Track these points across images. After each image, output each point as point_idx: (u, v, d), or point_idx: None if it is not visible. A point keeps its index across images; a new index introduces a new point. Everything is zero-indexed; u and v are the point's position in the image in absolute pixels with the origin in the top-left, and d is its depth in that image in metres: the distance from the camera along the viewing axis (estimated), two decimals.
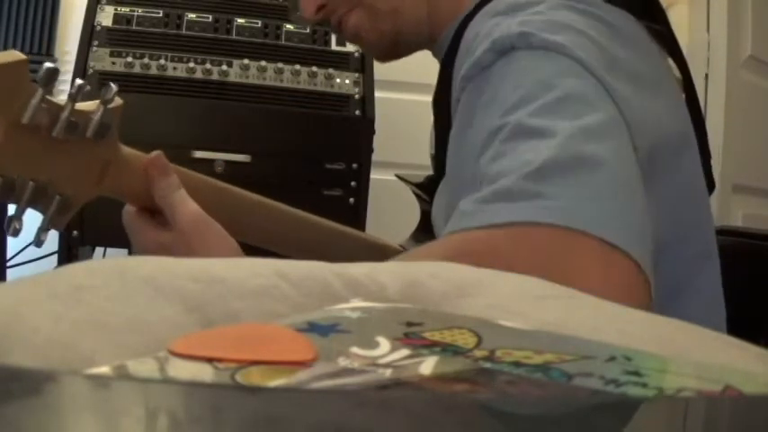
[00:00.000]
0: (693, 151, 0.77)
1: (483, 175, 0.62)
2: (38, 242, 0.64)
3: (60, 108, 0.60)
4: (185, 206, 0.69)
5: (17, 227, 0.62)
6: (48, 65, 0.59)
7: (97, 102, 0.63)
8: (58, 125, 0.60)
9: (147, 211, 0.71)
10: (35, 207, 0.63)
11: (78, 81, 0.62)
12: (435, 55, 0.87)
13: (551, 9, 0.69)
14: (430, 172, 1.01)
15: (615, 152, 0.60)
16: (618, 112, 0.63)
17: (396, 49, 0.88)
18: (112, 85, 0.63)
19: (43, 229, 0.64)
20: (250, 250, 0.64)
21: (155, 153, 0.70)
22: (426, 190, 0.90)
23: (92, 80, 1.55)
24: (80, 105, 0.62)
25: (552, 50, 0.64)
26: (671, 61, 0.83)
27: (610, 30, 0.71)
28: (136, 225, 0.71)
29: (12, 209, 0.62)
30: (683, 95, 0.81)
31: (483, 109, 0.66)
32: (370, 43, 0.88)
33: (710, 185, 0.82)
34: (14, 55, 0.57)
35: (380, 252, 0.91)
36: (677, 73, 0.83)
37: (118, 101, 0.64)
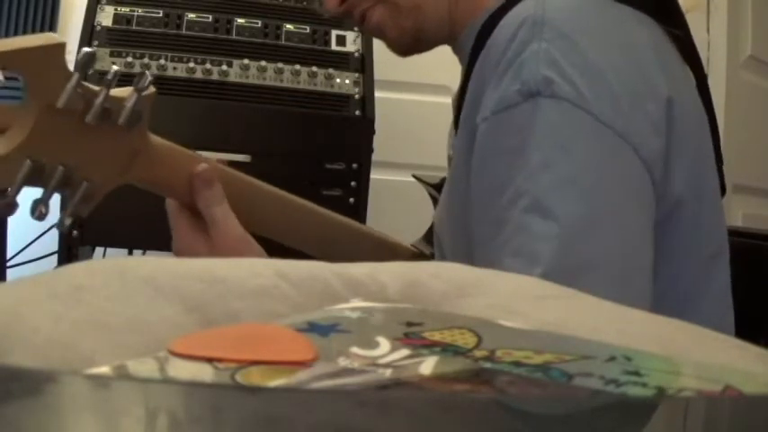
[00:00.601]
0: (709, 156, 0.80)
1: (506, 238, 0.69)
2: (61, 225, 0.64)
3: (95, 94, 0.60)
4: (227, 224, 0.69)
5: (43, 210, 0.61)
6: (86, 50, 0.59)
7: (131, 89, 0.63)
8: (92, 111, 0.60)
9: (189, 210, 0.71)
10: (62, 192, 0.62)
11: (114, 67, 0.62)
12: (456, 52, 0.89)
13: (576, 29, 0.72)
14: (431, 171, 1.02)
15: (614, 246, 0.68)
16: (635, 156, 0.70)
17: (417, 45, 0.90)
18: (147, 72, 0.63)
19: (68, 214, 0.64)
20: (281, 250, 0.64)
21: (202, 165, 0.70)
22: (441, 190, 0.90)
23: (92, 80, 1.55)
24: (114, 92, 0.62)
25: (574, 104, 0.69)
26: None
27: (633, 39, 0.75)
28: (177, 221, 0.72)
29: (26, 197, 0.61)
30: (699, 100, 0.82)
31: (508, 155, 0.71)
32: (392, 38, 0.89)
33: (722, 188, 0.83)
34: (51, 38, 0.57)
35: (393, 252, 0.91)
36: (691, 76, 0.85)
37: (151, 89, 0.64)
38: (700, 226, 0.77)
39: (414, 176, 1.07)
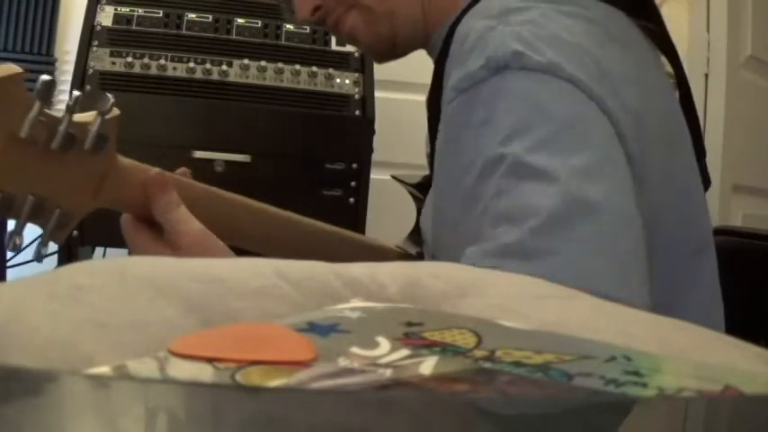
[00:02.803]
0: (687, 148, 0.78)
1: (486, 208, 0.64)
2: (39, 257, 0.64)
3: (58, 121, 0.59)
4: (187, 225, 0.68)
5: (17, 242, 0.61)
6: (44, 78, 0.58)
7: (94, 113, 0.62)
8: (57, 138, 0.59)
9: (146, 221, 0.71)
10: (35, 222, 0.62)
11: (75, 92, 0.61)
12: (430, 54, 0.88)
13: (543, 16, 0.70)
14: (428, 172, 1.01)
15: (608, 192, 0.64)
16: (612, 127, 0.66)
17: (393, 50, 0.89)
18: (109, 95, 0.62)
19: (44, 244, 0.63)
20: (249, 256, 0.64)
21: (154, 171, 0.69)
22: (423, 189, 0.90)
23: (92, 80, 1.55)
24: (78, 117, 0.61)
25: (545, 72, 0.66)
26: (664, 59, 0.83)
27: (602, 31, 0.73)
28: (136, 237, 0.70)
29: (11, 223, 0.62)
30: (677, 93, 0.81)
31: (476, 128, 0.67)
32: (367, 45, 0.89)
33: (705, 182, 0.82)
34: (10, 68, 0.56)
35: (378, 254, 0.90)
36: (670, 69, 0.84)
37: (115, 111, 0.63)
38: (681, 224, 0.76)
39: (392, 177, 1.06)
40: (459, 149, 0.69)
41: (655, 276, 0.71)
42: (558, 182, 0.62)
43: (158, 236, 0.70)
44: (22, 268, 1.85)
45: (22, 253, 1.97)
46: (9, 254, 1.75)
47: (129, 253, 0.73)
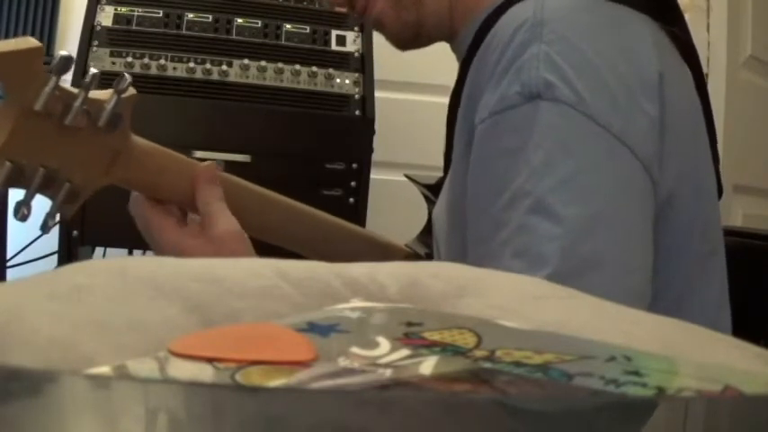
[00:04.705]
0: (706, 151, 0.80)
1: (509, 239, 0.69)
2: (45, 227, 0.64)
3: (73, 96, 0.60)
4: (225, 218, 0.70)
5: (25, 212, 0.62)
6: (62, 53, 0.59)
7: (111, 91, 0.63)
8: (71, 113, 0.60)
9: (161, 206, 0.71)
10: (44, 193, 0.63)
11: (93, 70, 0.62)
12: (454, 50, 0.89)
13: (575, 29, 0.72)
14: (431, 171, 1.01)
15: (613, 242, 0.69)
16: (631, 159, 0.70)
17: (416, 40, 0.90)
18: (127, 75, 0.63)
19: (51, 215, 0.64)
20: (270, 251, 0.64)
21: (208, 163, 0.72)
22: (436, 191, 0.90)
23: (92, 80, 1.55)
24: (93, 94, 0.62)
25: (573, 107, 0.70)
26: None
27: (629, 36, 0.75)
28: (154, 219, 0.71)
29: (14, 197, 0.62)
30: (698, 98, 0.83)
31: (507, 156, 0.71)
32: (392, 32, 0.90)
33: (719, 189, 0.83)
34: (29, 42, 0.57)
35: (389, 253, 0.91)
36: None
37: (131, 91, 0.64)
38: (695, 224, 0.77)
39: (406, 176, 1.07)
40: (490, 172, 0.73)
41: (662, 277, 0.72)
42: (569, 232, 0.67)
43: (178, 223, 0.71)
44: (22, 268, 1.85)
45: (23, 253, 1.97)
46: (9, 254, 1.75)
47: (143, 233, 0.73)
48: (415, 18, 0.87)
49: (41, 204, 0.63)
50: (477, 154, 0.74)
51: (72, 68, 0.60)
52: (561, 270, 0.66)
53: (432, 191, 0.97)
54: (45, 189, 0.62)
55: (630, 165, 0.70)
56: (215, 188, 0.71)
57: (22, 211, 0.62)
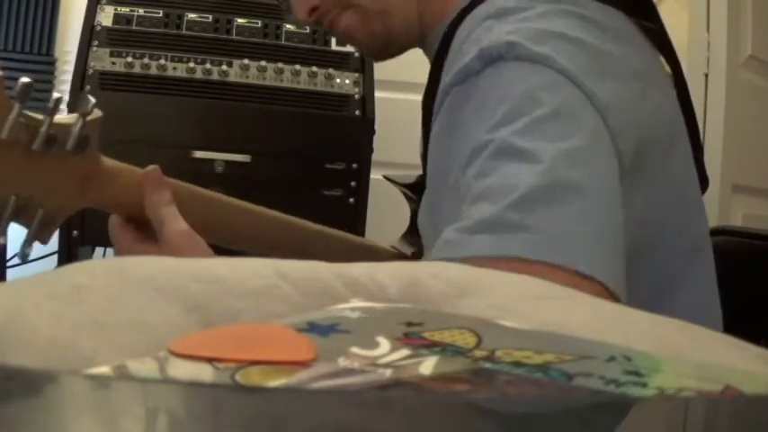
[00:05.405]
0: (684, 146, 0.78)
1: (466, 190, 0.64)
2: (23, 256, 0.64)
3: (39, 122, 0.60)
4: (174, 222, 0.69)
5: (1, 240, 0.62)
6: (24, 80, 0.59)
7: (76, 115, 0.63)
8: (38, 139, 0.60)
9: (133, 222, 0.71)
10: (18, 221, 0.63)
11: (55, 95, 0.62)
12: (426, 54, 0.88)
13: (540, 16, 0.71)
14: None
15: (593, 176, 0.63)
16: (602, 121, 0.66)
17: (388, 49, 0.90)
18: (90, 97, 0.63)
19: (27, 243, 0.64)
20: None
21: (151, 167, 0.70)
22: (417, 189, 0.90)
23: (92, 81, 1.55)
24: (59, 119, 0.62)
25: (538, 62, 0.66)
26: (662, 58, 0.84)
27: (599, 29, 0.73)
28: (120, 236, 0.71)
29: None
30: (674, 91, 0.82)
31: (468, 117, 0.68)
32: (362, 43, 0.90)
33: (703, 181, 0.82)
34: None
35: (372, 254, 0.91)
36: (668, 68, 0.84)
37: (97, 113, 0.64)
38: (676, 219, 0.75)
39: (384, 177, 1.06)
40: (452, 141, 0.70)
41: (647, 272, 0.71)
42: (542, 163, 0.61)
43: (143, 236, 0.71)
44: (22, 268, 1.85)
45: None
46: (9, 254, 1.75)
47: (115, 253, 0.73)
48: (382, 28, 0.86)
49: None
50: (438, 127, 0.72)
51: (31, 93, 0.59)
52: (530, 194, 0.60)
53: (411, 190, 0.97)
54: (18, 217, 0.62)
55: (599, 124, 0.66)
56: (161, 192, 0.70)
57: None
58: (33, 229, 0.63)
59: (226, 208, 0.78)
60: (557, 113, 0.65)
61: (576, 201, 0.61)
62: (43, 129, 0.60)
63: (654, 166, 0.72)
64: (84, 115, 0.63)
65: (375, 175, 1.71)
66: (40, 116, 0.61)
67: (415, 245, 0.92)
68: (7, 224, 0.62)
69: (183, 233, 0.68)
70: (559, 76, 0.66)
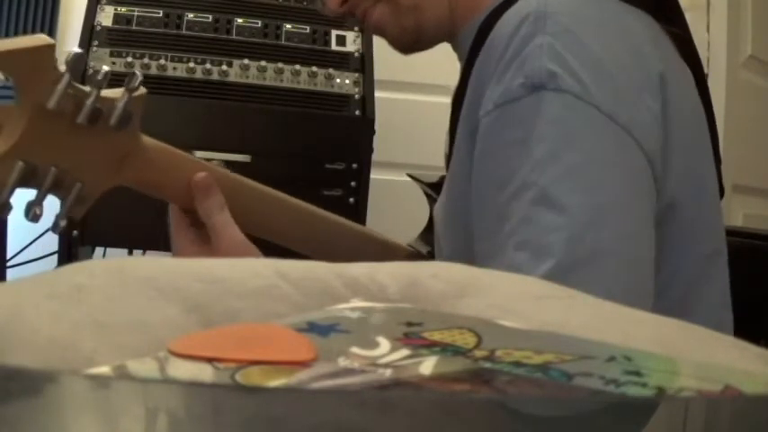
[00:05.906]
0: (708, 151, 0.80)
1: (513, 231, 0.69)
2: (56, 228, 0.64)
3: (86, 94, 0.60)
4: (227, 231, 0.70)
5: (38, 212, 0.61)
6: (75, 50, 0.59)
7: (122, 90, 0.63)
8: (83, 112, 0.60)
9: (189, 216, 0.72)
10: (55, 193, 0.62)
11: (104, 68, 0.61)
12: (455, 50, 0.89)
13: (578, 23, 0.73)
14: (431, 171, 1.01)
15: (619, 236, 0.68)
16: (637, 147, 0.70)
17: (417, 43, 0.91)
18: (138, 73, 0.63)
19: (62, 217, 0.64)
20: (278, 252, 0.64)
21: (200, 174, 0.71)
22: (439, 189, 0.90)
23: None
24: (105, 92, 0.61)
25: (578, 98, 0.69)
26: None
27: (631, 33, 0.76)
28: (178, 233, 0.72)
29: (23, 196, 0.62)
30: (699, 99, 0.83)
31: (510, 147, 0.71)
32: (393, 37, 0.90)
33: (720, 190, 0.83)
34: (42, 39, 0.57)
35: (391, 251, 0.91)
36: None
37: (142, 90, 0.64)
38: (697, 225, 0.77)
39: (408, 175, 1.07)
40: (494, 164, 0.73)
41: (664, 278, 0.72)
42: (574, 221, 0.67)
43: (199, 236, 0.71)
44: (22, 268, 1.85)
45: (23, 253, 1.96)
46: (9, 254, 1.75)
47: (172, 249, 0.74)
48: (414, 23, 0.87)
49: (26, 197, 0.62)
50: (481, 147, 0.74)
51: (84, 65, 0.59)
52: (565, 261, 0.66)
53: (434, 189, 0.97)
54: (56, 189, 0.62)
55: (635, 156, 0.70)
56: (214, 198, 0.71)
57: (34, 211, 0.61)
58: (69, 203, 0.63)
59: (263, 198, 0.78)
60: (592, 159, 0.69)
61: (603, 266, 0.67)
62: (90, 101, 0.60)
63: (680, 165, 0.75)
64: (130, 91, 0.62)
65: (375, 175, 1.71)
66: (87, 88, 0.60)
67: (432, 244, 0.92)
68: (45, 195, 0.61)
69: (235, 241, 0.70)
70: (596, 113, 0.69)
